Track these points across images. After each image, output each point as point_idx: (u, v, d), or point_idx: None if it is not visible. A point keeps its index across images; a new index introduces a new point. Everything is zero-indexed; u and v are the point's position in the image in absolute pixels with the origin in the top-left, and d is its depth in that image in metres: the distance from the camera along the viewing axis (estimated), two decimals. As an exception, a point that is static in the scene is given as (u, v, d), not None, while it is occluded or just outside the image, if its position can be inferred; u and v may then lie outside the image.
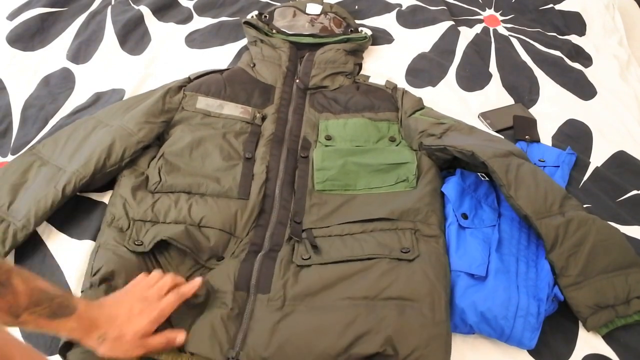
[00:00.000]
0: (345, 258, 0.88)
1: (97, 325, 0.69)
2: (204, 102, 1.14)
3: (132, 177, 0.99)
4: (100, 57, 1.35)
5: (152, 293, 0.77)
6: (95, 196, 1.01)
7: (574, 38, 1.52)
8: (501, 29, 1.53)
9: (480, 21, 1.56)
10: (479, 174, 1.04)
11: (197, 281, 0.81)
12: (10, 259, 0.91)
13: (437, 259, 0.87)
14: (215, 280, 0.85)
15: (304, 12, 1.39)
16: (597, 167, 1.14)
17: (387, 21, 1.52)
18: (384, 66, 1.36)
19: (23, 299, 0.56)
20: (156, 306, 0.75)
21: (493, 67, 1.40)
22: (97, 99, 1.23)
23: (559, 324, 0.87)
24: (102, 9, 1.49)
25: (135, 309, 0.74)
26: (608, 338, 0.86)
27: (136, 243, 0.88)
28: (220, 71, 1.23)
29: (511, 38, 1.50)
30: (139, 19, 1.45)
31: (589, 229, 0.89)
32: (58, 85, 1.27)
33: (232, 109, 1.14)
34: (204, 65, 1.29)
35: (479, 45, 1.46)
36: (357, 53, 1.34)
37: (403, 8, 1.57)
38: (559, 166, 1.11)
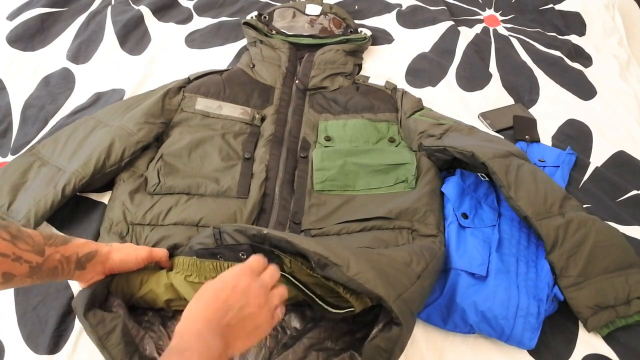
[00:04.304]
0: None
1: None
2: (203, 103, 1.14)
3: (130, 180, 0.99)
4: (100, 57, 1.35)
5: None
6: (95, 196, 1.01)
7: (574, 38, 1.52)
8: (501, 29, 1.53)
9: (480, 21, 1.56)
10: (478, 174, 1.04)
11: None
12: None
13: (430, 248, 0.87)
14: None
15: (303, 12, 1.39)
16: (597, 167, 1.14)
17: (387, 21, 1.52)
18: (384, 66, 1.36)
19: (37, 237, 0.63)
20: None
21: (493, 67, 1.40)
22: (97, 99, 1.23)
23: (559, 324, 0.87)
24: (102, 9, 1.49)
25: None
26: (608, 338, 0.86)
27: None
28: (220, 72, 1.23)
29: (511, 38, 1.50)
30: (139, 19, 1.45)
31: (589, 229, 0.89)
32: (58, 85, 1.27)
33: (232, 110, 1.14)
34: (204, 65, 1.29)
35: (479, 45, 1.46)
36: (356, 54, 1.34)
37: (403, 8, 1.57)
38: (559, 166, 1.11)
